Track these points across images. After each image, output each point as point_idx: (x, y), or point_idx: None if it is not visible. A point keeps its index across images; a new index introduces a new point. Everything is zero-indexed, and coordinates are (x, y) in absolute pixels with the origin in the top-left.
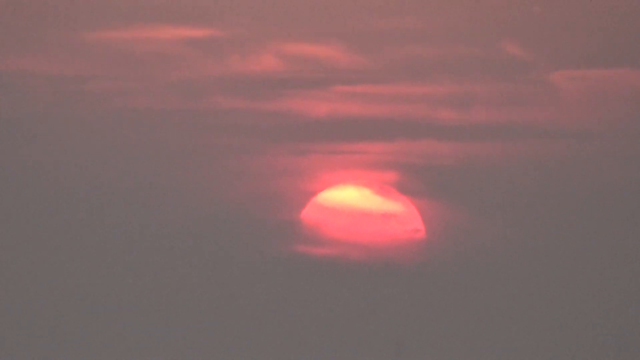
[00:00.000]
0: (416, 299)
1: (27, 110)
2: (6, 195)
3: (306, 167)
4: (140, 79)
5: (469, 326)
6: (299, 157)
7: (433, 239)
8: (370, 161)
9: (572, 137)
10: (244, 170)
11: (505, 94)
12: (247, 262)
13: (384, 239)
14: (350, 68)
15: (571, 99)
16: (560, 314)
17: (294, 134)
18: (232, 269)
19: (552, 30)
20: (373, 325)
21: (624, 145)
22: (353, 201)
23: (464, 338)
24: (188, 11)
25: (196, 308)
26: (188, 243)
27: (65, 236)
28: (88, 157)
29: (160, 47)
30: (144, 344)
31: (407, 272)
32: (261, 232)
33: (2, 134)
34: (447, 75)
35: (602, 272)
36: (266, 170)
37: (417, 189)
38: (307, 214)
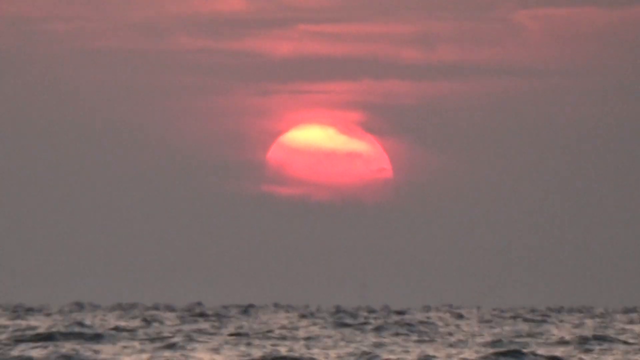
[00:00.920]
0: (382, 237)
1: None
2: None
3: (270, 106)
4: (102, 19)
5: (435, 263)
6: (264, 96)
7: (399, 177)
8: (334, 101)
9: (536, 75)
10: (208, 110)
11: (470, 32)
12: (214, 201)
13: (349, 178)
14: (314, 6)
15: (536, 37)
16: (520, 249)
17: (258, 74)
18: (199, 207)
19: None
20: (339, 263)
21: (588, 82)
22: (318, 141)
23: (430, 276)
24: None
25: (162, 247)
26: (153, 182)
27: (28, 179)
28: (50, 97)
29: None
30: (118, 282)
31: (373, 210)
32: (227, 171)
33: None
34: (411, 13)
35: (566, 206)
36: (230, 110)
37: (382, 128)
38: (273, 154)
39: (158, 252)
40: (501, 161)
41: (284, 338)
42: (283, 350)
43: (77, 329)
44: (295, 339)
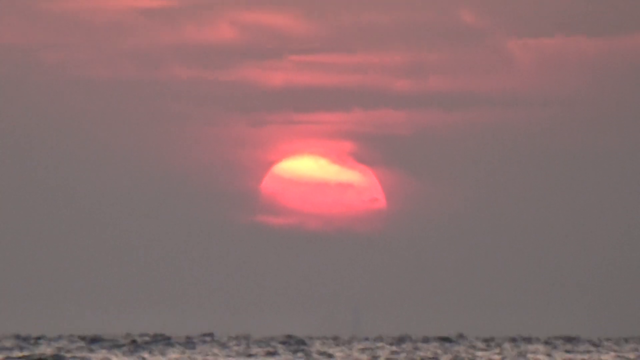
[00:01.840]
0: (374, 267)
1: None
2: None
3: (263, 136)
4: (95, 48)
5: (426, 294)
6: (256, 126)
7: (391, 207)
8: (326, 131)
9: (527, 104)
10: (200, 140)
11: (461, 62)
12: (206, 230)
13: (341, 208)
14: (306, 37)
15: (526, 67)
16: (517, 281)
17: (249, 104)
18: (192, 237)
19: None
20: (331, 293)
21: (579, 112)
22: (310, 171)
23: (422, 306)
24: None
25: (152, 276)
26: (144, 212)
27: (13, 208)
28: (41, 126)
29: (115, 16)
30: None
31: (366, 240)
32: (220, 201)
33: None
34: (402, 43)
35: (558, 236)
36: (222, 140)
37: (374, 158)
38: (265, 184)
39: (148, 281)
40: (495, 191)
41: None
42: None
43: None
44: None
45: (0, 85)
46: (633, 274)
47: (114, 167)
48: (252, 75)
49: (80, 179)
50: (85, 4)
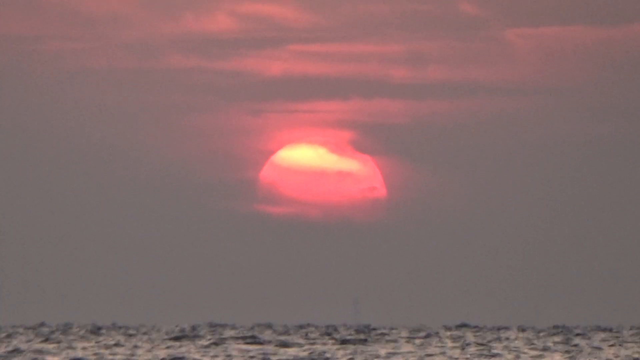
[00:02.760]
0: (374, 255)
1: None
2: None
3: (262, 126)
4: (94, 38)
5: (427, 283)
6: (255, 116)
7: (391, 196)
8: (325, 120)
9: (526, 93)
10: (199, 129)
11: (459, 51)
12: (206, 220)
13: (340, 196)
14: (305, 27)
15: (525, 56)
16: (516, 270)
17: (249, 93)
18: (192, 226)
19: None
20: (331, 281)
21: (578, 100)
22: (309, 160)
23: (422, 295)
24: None
25: (153, 266)
26: (144, 201)
27: (12, 199)
28: (41, 116)
29: (114, 7)
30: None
31: (365, 228)
32: (220, 190)
33: None
34: (401, 33)
35: (555, 224)
36: (222, 129)
37: (372, 147)
38: (265, 173)
39: (148, 271)
40: (492, 179)
41: None
42: None
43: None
44: None
45: (1, 74)
46: (635, 261)
47: (113, 156)
48: (251, 64)
49: (78, 169)
50: None
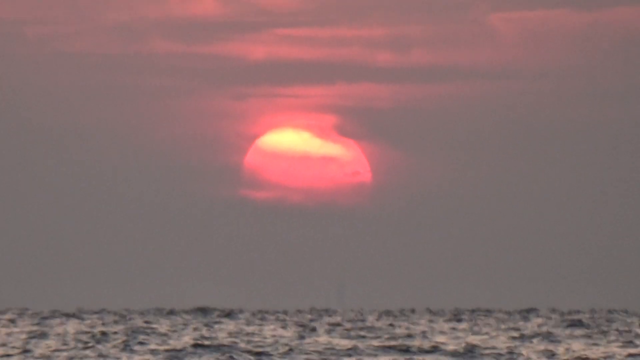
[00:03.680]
0: (359, 240)
1: None
2: None
3: (245, 110)
4: (77, 22)
5: (412, 266)
6: (238, 100)
7: (376, 180)
8: (309, 104)
9: (510, 78)
10: (183, 114)
11: (444, 35)
12: (189, 205)
13: (324, 181)
14: (289, 11)
15: (509, 40)
16: (502, 253)
17: (232, 77)
18: (175, 211)
19: None
20: (315, 266)
21: (563, 84)
22: (293, 144)
23: (407, 279)
24: None
25: (136, 250)
26: (127, 186)
27: (5, 179)
28: (23, 100)
29: None
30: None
31: (350, 213)
32: (203, 175)
33: None
34: (385, 17)
35: (544, 208)
36: (205, 113)
37: (357, 132)
38: (249, 158)
39: (132, 255)
40: (477, 162)
41: None
42: None
43: None
44: None
45: None
46: (632, 244)
47: (96, 140)
48: (235, 48)
49: (62, 153)
50: None
